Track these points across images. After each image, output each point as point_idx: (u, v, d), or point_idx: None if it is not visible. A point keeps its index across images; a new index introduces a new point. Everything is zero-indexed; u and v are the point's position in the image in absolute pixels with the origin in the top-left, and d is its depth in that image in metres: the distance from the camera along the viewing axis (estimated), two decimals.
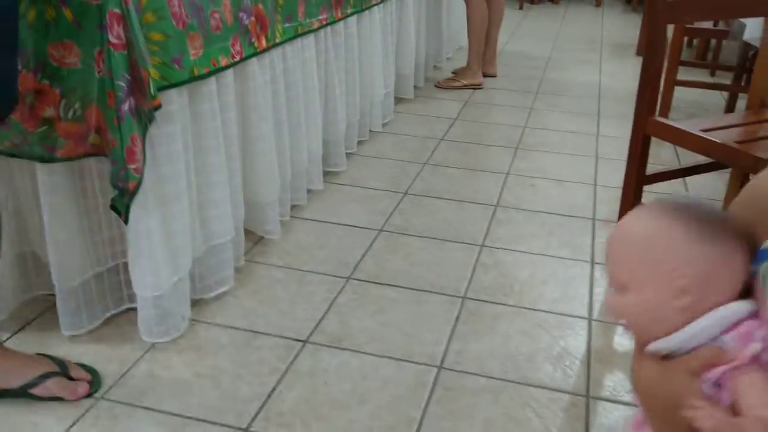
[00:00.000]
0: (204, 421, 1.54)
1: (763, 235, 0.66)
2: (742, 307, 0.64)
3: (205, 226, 1.94)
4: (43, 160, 1.61)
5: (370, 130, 3.24)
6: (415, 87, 3.86)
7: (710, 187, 2.80)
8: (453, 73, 4.13)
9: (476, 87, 3.94)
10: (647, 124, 2.11)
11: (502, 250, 2.32)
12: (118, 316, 1.87)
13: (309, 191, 2.60)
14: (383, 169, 2.93)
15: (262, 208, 2.25)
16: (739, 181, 2.25)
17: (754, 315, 0.63)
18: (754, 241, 0.67)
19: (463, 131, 3.41)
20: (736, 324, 0.63)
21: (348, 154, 2.95)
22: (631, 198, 2.16)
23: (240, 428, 1.53)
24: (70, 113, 1.57)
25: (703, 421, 0.62)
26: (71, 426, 1.52)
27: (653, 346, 0.67)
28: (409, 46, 3.61)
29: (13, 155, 1.63)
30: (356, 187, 2.73)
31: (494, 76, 4.21)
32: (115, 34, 1.49)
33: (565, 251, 2.31)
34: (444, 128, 3.42)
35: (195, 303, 1.92)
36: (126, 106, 1.54)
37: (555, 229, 2.46)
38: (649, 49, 1.99)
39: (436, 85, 4.00)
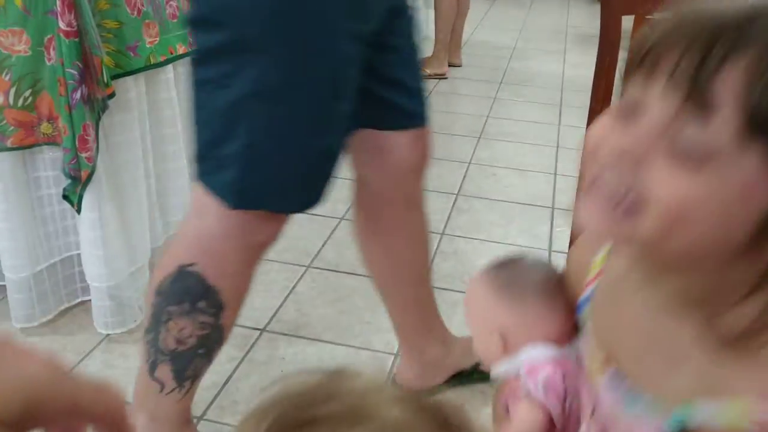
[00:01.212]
0: None
1: (579, 292, 0.77)
2: (539, 351, 0.78)
3: (165, 214, 1.93)
4: None
5: None
6: None
7: None
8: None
9: (441, 77, 3.95)
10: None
11: (462, 238, 2.34)
12: (74, 307, 1.85)
13: None
14: (345, 161, 2.92)
15: None
16: None
17: (554, 358, 0.77)
18: (573, 296, 0.78)
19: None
20: (537, 362, 0.78)
21: None
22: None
23: (195, 416, 1.53)
24: (20, 101, 1.55)
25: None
26: None
27: (492, 373, 0.85)
28: None
29: None
30: None
31: (459, 66, 4.22)
32: (66, 22, 1.48)
33: (524, 239, 2.33)
34: None
35: None
36: (78, 94, 1.52)
37: (515, 218, 2.48)
38: (604, 39, 2.00)
39: None
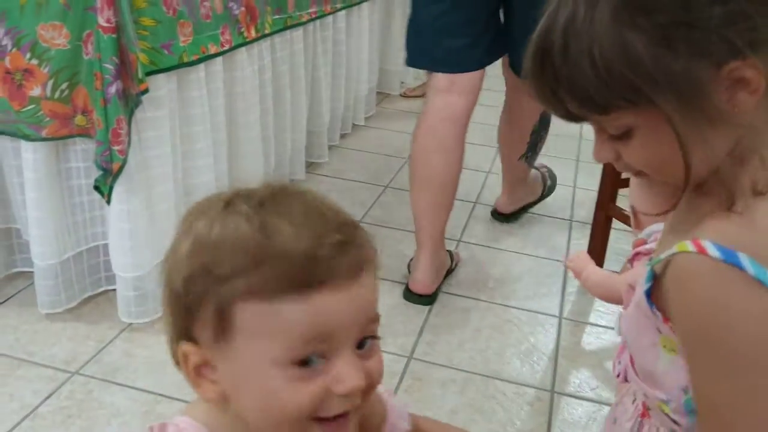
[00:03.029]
0: (177, 399, 1.58)
1: None
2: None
3: None
4: (28, 138, 1.63)
5: (354, 124, 3.27)
6: (402, 83, 3.89)
7: None
8: (423, 89, 4.03)
9: None
10: None
11: (479, 246, 2.36)
12: (98, 296, 1.90)
13: (291, 181, 2.63)
14: (365, 162, 2.96)
15: None
16: None
17: None
18: None
19: None
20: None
21: (330, 146, 2.99)
22: (606, 201, 2.21)
23: None
24: (57, 93, 1.60)
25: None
26: (46, 398, 1.55)
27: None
28: (396, 43, 3.65)
29: (0, 132, 1.66)
30: (337, 179, 2.77)
31: None
32: (104, 18, 1.52)
33: (541, 251, 2.36)
34: None
35: None
36: (113, 89, 1.57)
37: (532, 229, 2.51)
38: None
39: (403, 93, 3.92)
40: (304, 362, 0.58)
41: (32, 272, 1.80)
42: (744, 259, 0.63)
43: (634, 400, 0.85)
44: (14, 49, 1.56)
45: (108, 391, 1.60)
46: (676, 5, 0.64)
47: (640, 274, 0.76)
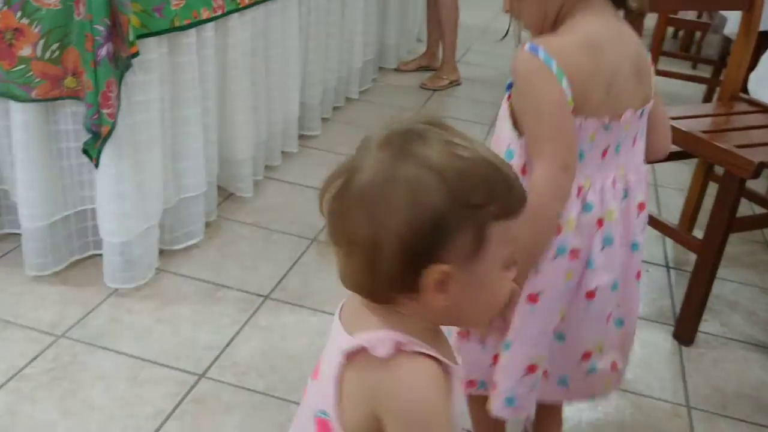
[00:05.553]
0: (161, 365, 1.58)
1: None
2: None
3: (178, 177, 1.96)
4: (17, 98, 1.62)
5: (347, 97, 3.25)
6: (398, 57, 3.86)
7: (676, 175, 2.86)
8: (417, 63, 3.97)
9: (456, 83, 3.81)
10: None
11: None
12: (85, 260, 1.89)
13: (283, 153, 2.62)
14: (358, 136, 2.87)
15: (236, 165, 2.27)
16: (704, 171, 2.31)
17: None
18: None
19: (440, 105, 3.44)
20: None
21: (323, 119, 2.97)
22: None
23: (196, 373, 1.57)
24: (48, 54, 1.58)
25: None
26: (32, 360, 1.55)
27: None
28: (394, 16, 3.63)
29: None
30: (330, 152, 2.76)
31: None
32: None
33: None
34: (422, 100, 3.45)
35: (162, 253, 1.95)
36: (104, 51, 1.55)
37: None
38: None
39: (397, 68, 3.85)
40: (508, 265, 0.75)
41: (19, 234, 1.79)
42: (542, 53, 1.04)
43: None
44: (5, 8, 1.54)
45: (93, 354, 1.59)
46: None
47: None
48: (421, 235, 0.68)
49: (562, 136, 1.05)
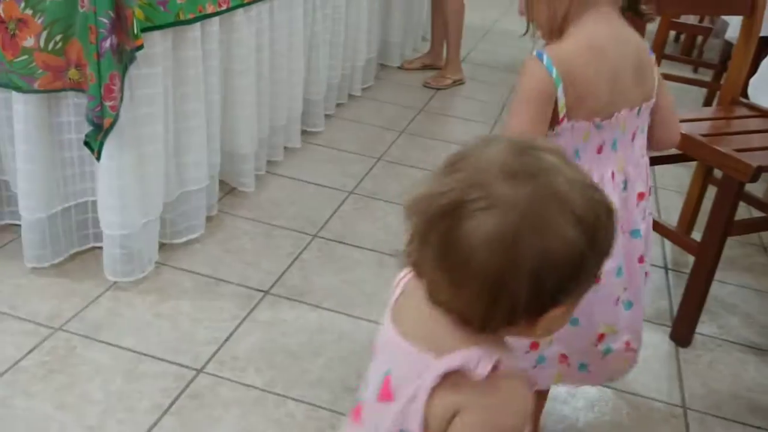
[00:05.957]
0: (160, 359, 1.58)
1: None
2: None
3: (180, 171, 1.96)
4: (20, 89, 1.62)
5: (350, 94, 3.25)
6: (402, 55, 3.86)
7: (675, 178, 2.86)
8: (421, 61, 3.92)
9: (459, 82, 3.80)
10: None
11: None
12: (84, 253, 1.89)
13: (286, 148, 2.62)
14: (360, 133, 2.95)
15: (238, 160, 2.27)
16: (703, 174, 2.31)
17: None
18: None
19: (443, 104, 3.44)
20: None
21: (327, 116, 2.97)
22: None
23: (194, 368, 1.57)
24: (51, 45, 1.58)
25: None
26: (28, 352, 1.55)
27: None
28: (399, 14, 3.62)
29: None
30: (332, 149, 2.76)
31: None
32: None
33: None
34: (425, 99, 3.45)
35: (163, 247, 1.95)
36: (107, 43, 1.55)
37: None
38: None
39: (401, 66, 3.85)
40: None
41: (19, 225, 1.79)
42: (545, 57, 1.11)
43: None
44: None
45: (91, 348, 1.59)
46: None
47: None
48: (558, 279, 0.67)
49: (525, 117, 1.12)
